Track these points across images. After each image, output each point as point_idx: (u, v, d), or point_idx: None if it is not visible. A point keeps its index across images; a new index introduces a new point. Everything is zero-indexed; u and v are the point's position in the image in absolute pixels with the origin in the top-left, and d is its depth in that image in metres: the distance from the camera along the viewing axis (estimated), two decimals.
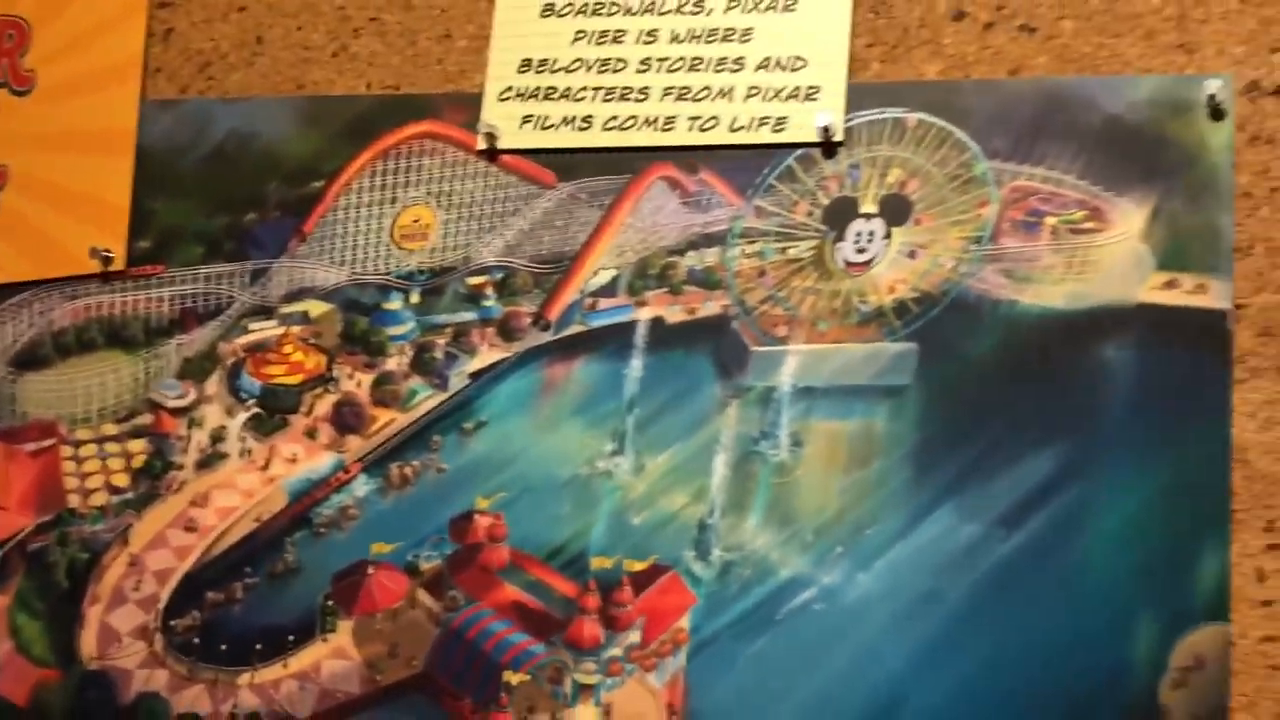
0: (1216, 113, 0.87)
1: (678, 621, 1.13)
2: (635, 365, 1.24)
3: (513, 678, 1.33)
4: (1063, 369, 1.04)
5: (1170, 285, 0.99)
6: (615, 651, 1.15)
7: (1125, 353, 1.00)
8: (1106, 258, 1.03)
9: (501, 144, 1.25)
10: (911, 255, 1.15)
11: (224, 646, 1.17)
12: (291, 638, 1.15)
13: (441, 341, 1.40)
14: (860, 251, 1.20)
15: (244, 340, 1.31)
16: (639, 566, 1.29)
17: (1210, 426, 0.95)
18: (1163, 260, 0.99)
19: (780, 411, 1.26)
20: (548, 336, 1.37)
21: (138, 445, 1.25)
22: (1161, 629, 0.90)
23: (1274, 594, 0.88)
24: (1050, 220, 1.08)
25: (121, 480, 1.28)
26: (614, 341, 1.36)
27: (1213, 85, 0.87)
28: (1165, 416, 0.96)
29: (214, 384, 1.25)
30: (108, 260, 1.35)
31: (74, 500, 1.31)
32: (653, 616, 1.22)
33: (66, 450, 1.32)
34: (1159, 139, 0.92)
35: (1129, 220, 0.99)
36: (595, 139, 1.26)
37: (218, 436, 1.26)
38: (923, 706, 1.06)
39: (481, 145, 1.24)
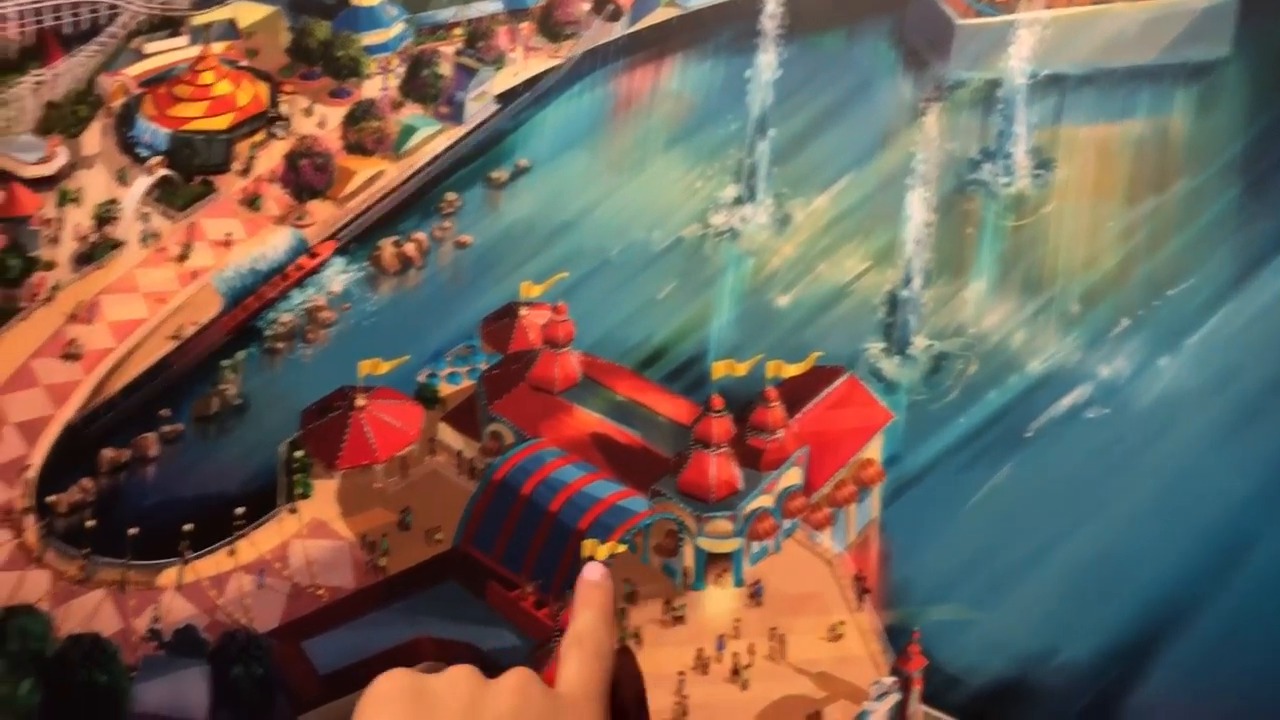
0: None
1: (862, 450, 1.14)
2: (766, 61, 1.19)
3: (598, 550, 1.38)
4: None
5: None
6: (762, 502, 1.17)
7: None
8: None
9: None
10: None
11: (134, 530, 1.22)
12: (240, 511, 1.19)
13: (449, 49, 1.34)
14: None
15: (139, 69, 1.28)
16: (792, 370, 1.26)
17: None
18: None
19: (1012, 116, 1.20)
20: (620, 29, 1.32)
21: None
22: None
23: None
24: None
25: None
26: (728, 28, 1.30)
27: None
28: None
29: (95, 138, 1.25)
30: None
31: None
32: (821, 445, 1.21)
33: None
34: None
35: None
36: None
37: (106, 215, 1.27)
38: None
39: None
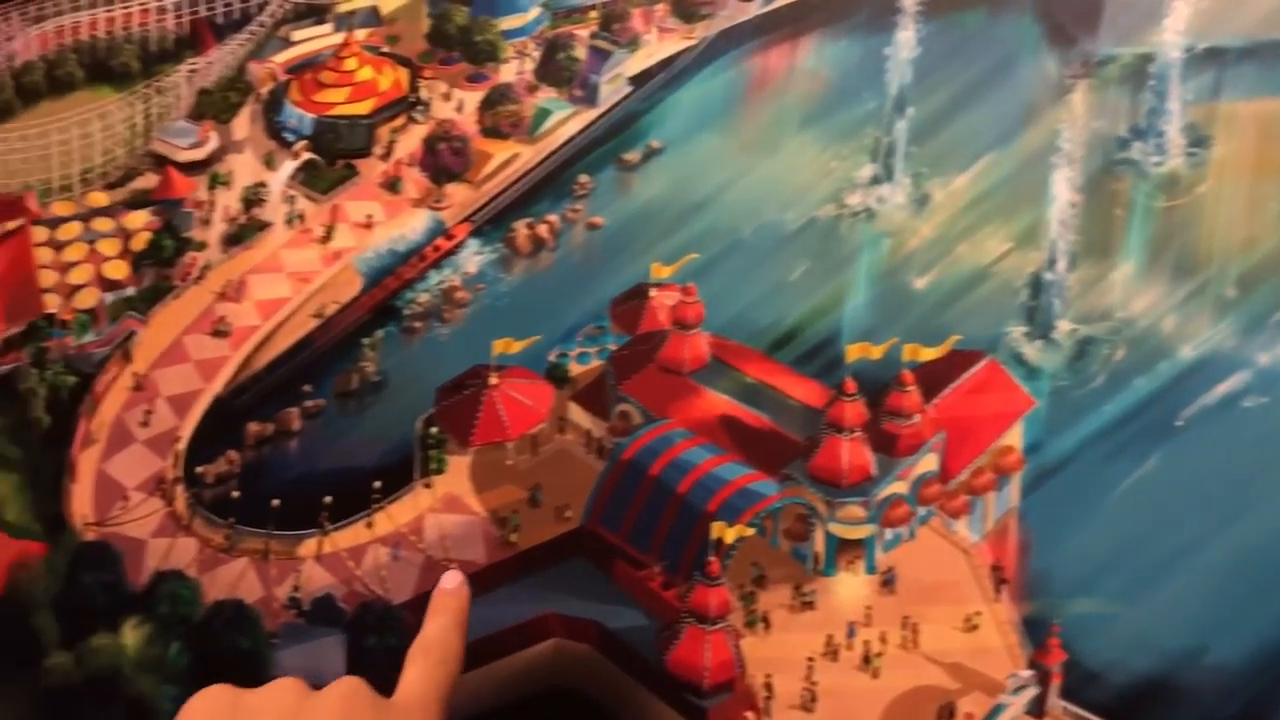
0: None
1: (1002, 437, 1.10)
2: (905, 38, 1.14)
3: (726, 533, 1.36)
4: None
5: None
6: (896, 488, 1.13)
7: None
8: None
9: None
10: None
11: (276, 501, 1.25)
12: (378, 484, 1.21)
13: (583, 32, 1.32)
14: None
15: (286, 56, 1.28)
16: (929, 354, 1.23)
17: None
18: None
19: (1165, 92, 1.13)
20: (756, 7, 1.28)
21: (139, 219, 1.31)
22: None
23: None
24: None
25: (118, 270, 1.34)
26: (866, 5, 1.24)
27: None
28: None
29: (244, 123, 1.27)
30: None
31: (53, 303, 1.38)
32: (959, 431, 1.17)
33: (40, 233, 1.36)
34: None
35: None
36: None
37: (254, 198, 1.28)
38: None
39: None
